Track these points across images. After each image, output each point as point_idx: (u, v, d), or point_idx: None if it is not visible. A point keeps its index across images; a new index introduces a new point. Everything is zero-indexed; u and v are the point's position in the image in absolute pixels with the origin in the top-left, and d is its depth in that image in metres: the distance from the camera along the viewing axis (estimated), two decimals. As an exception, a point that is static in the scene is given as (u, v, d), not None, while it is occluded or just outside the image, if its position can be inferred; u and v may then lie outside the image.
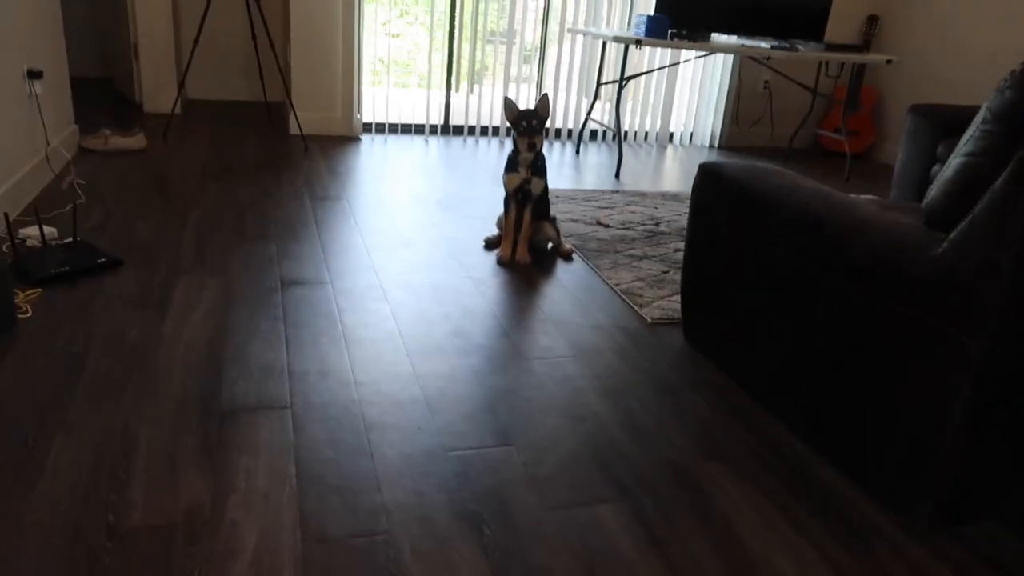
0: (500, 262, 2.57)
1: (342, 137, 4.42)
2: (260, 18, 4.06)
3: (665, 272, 2.63)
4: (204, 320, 2.02)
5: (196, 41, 3.89)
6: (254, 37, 4.24)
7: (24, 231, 2.42)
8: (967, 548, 1.40)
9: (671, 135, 5.22)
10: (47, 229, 2.44)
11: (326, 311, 2.14)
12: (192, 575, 1.16)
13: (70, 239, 2.39)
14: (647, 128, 5.16)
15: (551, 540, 1.31)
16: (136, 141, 3.64)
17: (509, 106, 2.49)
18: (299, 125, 4.11)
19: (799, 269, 1.66)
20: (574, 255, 2.75)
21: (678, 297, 2.40)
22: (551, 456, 1.55)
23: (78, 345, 1.82)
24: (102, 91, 5.08)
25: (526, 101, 4.98)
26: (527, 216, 2.60)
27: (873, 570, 1.32)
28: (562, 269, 2.64)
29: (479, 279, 2.48)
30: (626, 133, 5.11)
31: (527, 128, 2.47)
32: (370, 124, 4.67)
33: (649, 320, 2.24)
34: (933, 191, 1.47)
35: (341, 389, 1.74)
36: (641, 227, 3.16)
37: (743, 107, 5.10)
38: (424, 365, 1.89)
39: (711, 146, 5.18)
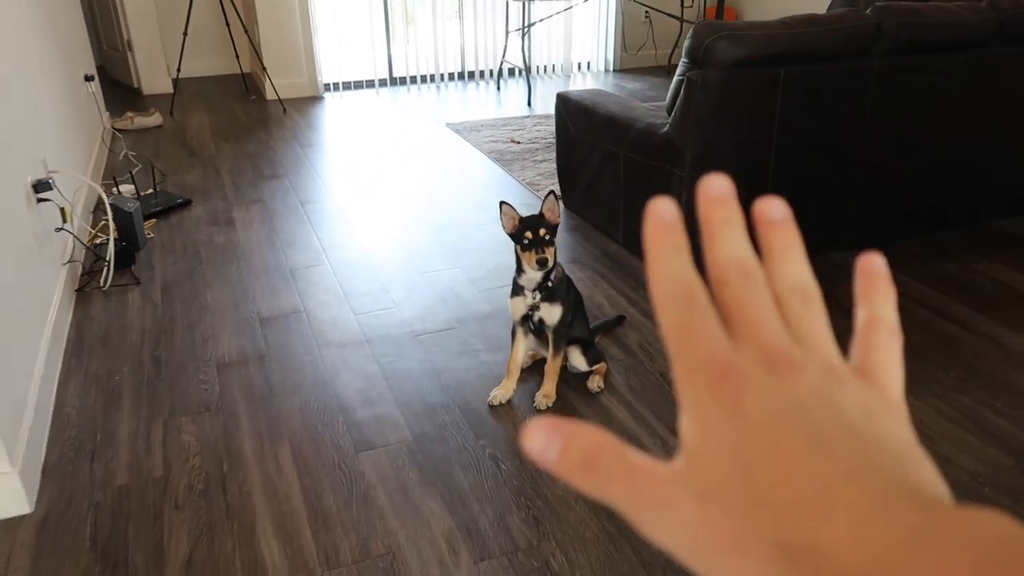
0: (491, 403, 2.04)
1: (310, 97, 5.51)
2: (231, 5, 5.07)
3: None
4: (259, 229, 3.20)
5: (185, 33, 4.93)
6: (227, 23, 5.26)
7: (119, 189, 3.55)
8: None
9: (572, 65, 6.37)
10: (126, 187, 3.56)
11: (326, 215, 3.33)
12: (307, 325, 2.39)
13: (150, 190, 3.52)
14: (553, 61, 6.31)
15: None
16: (154, 119, 4.71)
17: (507, 213, 1.93)
18: (276, 91, 5.20)
19: (609, 148, 2.90)
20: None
21: (563, 182, 3.64)
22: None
23: (191, 249, 3.01)
24: (101, 80, 6.05)
25: (457, 37, 6.07)
26: (550, 351, 2.04)
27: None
28: (485, 172, 3.85)
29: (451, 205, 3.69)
30: (537, 67, 6.26)
31: (532, 241, 1.89)
32: (329, 84, 5.75)
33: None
34: (668, 93, 2.69)
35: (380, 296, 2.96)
36: (544, 140, 4.37)
37: (629, 36, 6.25)
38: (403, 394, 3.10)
39: (606, 70, 6.35)
